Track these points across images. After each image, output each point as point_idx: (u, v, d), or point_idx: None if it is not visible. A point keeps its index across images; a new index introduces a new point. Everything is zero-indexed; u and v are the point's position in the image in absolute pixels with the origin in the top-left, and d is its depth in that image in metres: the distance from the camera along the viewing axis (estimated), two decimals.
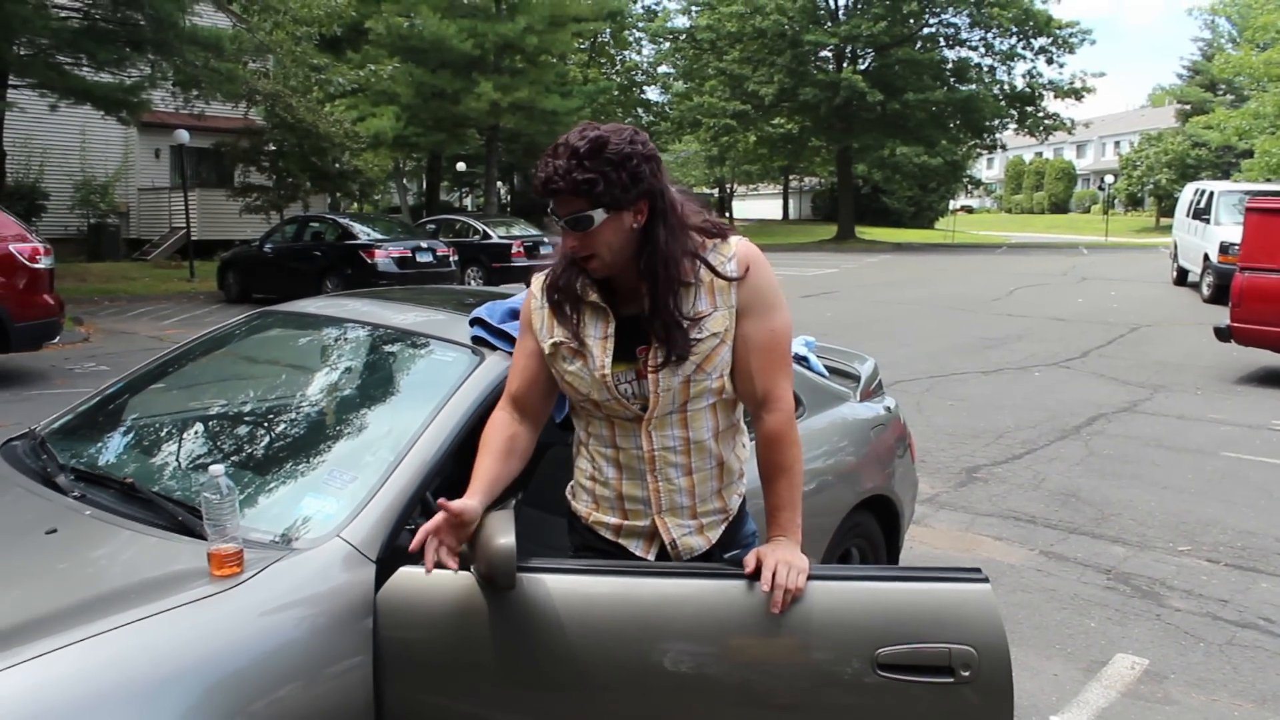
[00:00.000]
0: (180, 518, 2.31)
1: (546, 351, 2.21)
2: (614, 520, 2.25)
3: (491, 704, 2.13)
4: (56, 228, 23.24)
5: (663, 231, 2.08)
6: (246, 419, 3.02)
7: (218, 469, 2.07)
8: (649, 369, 2.12)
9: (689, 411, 2.16)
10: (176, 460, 2.83)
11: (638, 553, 2.25)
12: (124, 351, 11.65)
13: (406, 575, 2.15)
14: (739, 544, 2.30)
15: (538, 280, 2.27)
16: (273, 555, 2.16)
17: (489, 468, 2.18)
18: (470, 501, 2.06)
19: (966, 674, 2.03)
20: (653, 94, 50.52)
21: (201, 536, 2.13)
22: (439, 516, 2.02)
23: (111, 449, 2.95)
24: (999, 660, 2.05)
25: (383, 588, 2.14)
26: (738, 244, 2.17)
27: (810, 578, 2.07)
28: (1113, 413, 8.84)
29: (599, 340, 2.15)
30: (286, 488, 2.56)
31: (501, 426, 2.26)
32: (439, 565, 2.02)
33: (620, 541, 2.26)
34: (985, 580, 2.11)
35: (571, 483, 2.35)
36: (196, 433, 2.99)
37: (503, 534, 1.99)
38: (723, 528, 2.28)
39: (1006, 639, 2.08)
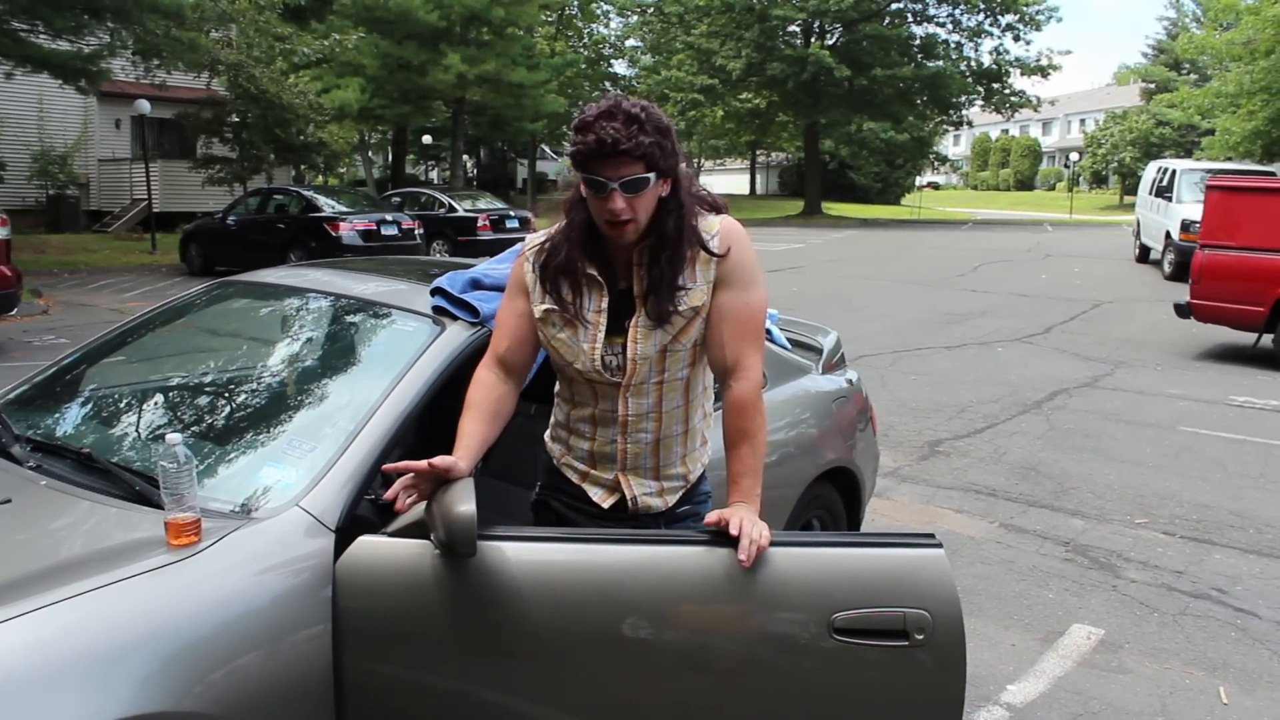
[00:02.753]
0: (137, 487, 2.29)
1: (538, 316, 2.26)
2: (582, 467, 2.36)
3: (451, 672, 2.13)
4: (14, 198, 22.84)
5: (685, 200, 2.18)
6: (206, 389, 2.99)
7: (174, 438, 2.05)
8: (630, 340, 2.18)
9: (665, 380, 2.24)
10: (135, 430, 2.80)
11: (596, 499, 2.35)
12: (84, 324, 11.49)
13: (366, 544, 2.14)
14: (693, 501, 2.40)
15: (533, 242, 2.31)
16: (231, 524, 2.14)
17: (477, 431, 2.20)
18: (460, 462, 2.08)
19: (920, 637, 2.06)
20: (620, 68, 50.38)
21: (159, 506, 2.11)
22: (424, 464, 2.03)
23: (68, 419, 2.91)
24: (952, 623, 2.08)
25: (342, 557, 2.13)
26: (721, 221, 2.24)
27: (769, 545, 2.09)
28: (1074, 388, 8.94)
29: (594, 314, 2.22)
30: (246, 457, 2.54)
31: (489, 386, 2.28)
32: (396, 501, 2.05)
33: (584, 486, 2.36)
34: (939, 546, 2.14)
35: (550, 427, 2.44)
36: (155, 403, 2.95)
37: (463, 501, 1.98)
38: (681, 494, 2.38)
39: (960, 603, 2.12)
